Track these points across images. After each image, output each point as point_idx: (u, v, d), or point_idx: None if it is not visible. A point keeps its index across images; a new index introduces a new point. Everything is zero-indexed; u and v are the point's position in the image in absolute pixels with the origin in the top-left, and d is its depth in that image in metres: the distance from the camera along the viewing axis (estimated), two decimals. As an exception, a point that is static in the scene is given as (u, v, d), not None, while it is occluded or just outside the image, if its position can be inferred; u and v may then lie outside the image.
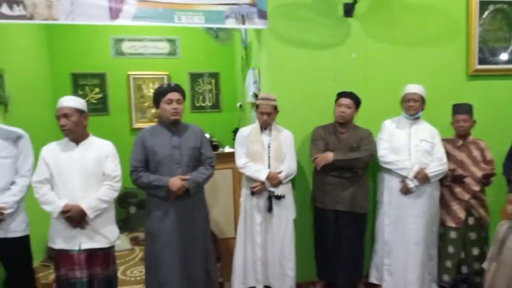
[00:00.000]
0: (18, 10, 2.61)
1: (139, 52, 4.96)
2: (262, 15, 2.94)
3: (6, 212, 2.31)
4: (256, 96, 3.31)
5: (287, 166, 2.82)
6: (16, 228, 2.39)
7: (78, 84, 4.84)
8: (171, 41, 5.02)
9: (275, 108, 2.81)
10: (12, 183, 2.39)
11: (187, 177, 2.46)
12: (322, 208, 2.88)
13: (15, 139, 2.41)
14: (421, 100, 2.88)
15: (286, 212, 2.85)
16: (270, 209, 2.78)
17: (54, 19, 2.65)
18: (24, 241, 2.45)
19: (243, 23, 2.90)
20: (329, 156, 2.77)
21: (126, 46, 4.92)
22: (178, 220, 2.49)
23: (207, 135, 3.59)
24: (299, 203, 2.99)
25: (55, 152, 2.36)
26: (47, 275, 3.44)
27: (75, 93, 4.76)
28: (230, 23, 2.88)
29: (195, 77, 5.13)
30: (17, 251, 2.42)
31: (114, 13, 2.71)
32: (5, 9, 2.59)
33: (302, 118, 3.08)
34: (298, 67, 3.09)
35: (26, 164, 2.42)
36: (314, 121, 3.01)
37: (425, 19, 3.23)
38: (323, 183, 2.86)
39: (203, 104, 5.19)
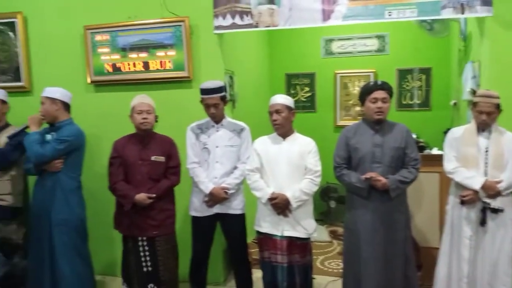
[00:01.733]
0: (247, 20, 3.06)
1: (348, 50, 5.05)
2: (486, 1, 2.58)
3: (229, 192, 2.74)
4: (474, 92, 2.93)
5: (509, 176, 2.41)
6: (236, 206, 2.80)
7: (290, 83, 5.29)
8: (380, 38, 4.92)
9: (497, 107, 2.43)
10: (235, 168, 2.80)
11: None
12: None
13: (239, 131, 2.82)
14: None
15: (504, 229, 2.43)
16: (483, 222, 2.43)
17: (275, 25, 2.99)
18: (241, 218, 2.85)
19: (462, 12, 2.62)
20: None
21: (335, 46, 5.09)
22: (377, 219, 2.45)
23: (414, 135, 3.39)
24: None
25: (265, 144, 2.65)
26: (257, 253, 3.92)
27: (287, 92, 5.22)
28: (446, 14, 2.65)
29: (403, 74, 4.89)
30: (235, 226, 2.83)
31: (326, 15, 2.86)
32: (237, 20, 3.07)
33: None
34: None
35: (246, 153, 2.78)
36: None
37: None
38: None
39: (411, 102, 4.90)
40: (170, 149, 2.72)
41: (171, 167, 2.71)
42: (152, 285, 2.66)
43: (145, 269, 2.65)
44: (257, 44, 4.85)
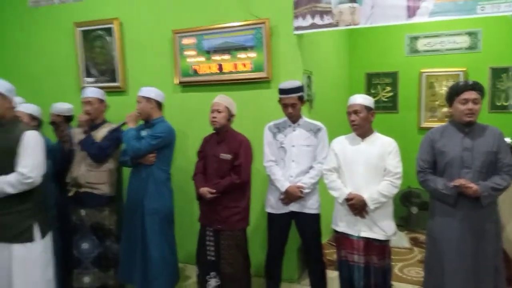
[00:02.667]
0: (327, 19, 3.04)
1: (435, 48, 4.77)
2: None
3: (304, 191, 2.76)
4: None
5: None
6: (311, 206, 2.81)
7: (371, 83, 5.14)
8: (471, 34, 4.57)
9: None
10: (311, 167, 2.81)
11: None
12: None
13: (316, 131, 2.82)
14: None
15: None
16: None
17: (355, 23, 2.94)
18: (316, 218, 2.85)
19: None
20: None
21: (421, 44, 4.84)
22: (465, 229, 2.29)
23: (508, 140, 3.10)
24: None
25: (343, 144, 2.62)
26: (332, 253, 3.87)
27: (367, 91, 5.07)
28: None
29: (497, 72, 4.49)
30: (310, 225, 2.84)
31: (411, 11, 2.74)
32: (317, 20, 3.07)
33: None
34: None
35: (323, 153, 2.78)
36: None
37: None
38: None
39: (506, 104, 4.48)
40: (238, 148, 2.78)
41: (236, 166, 2.77)
42: (214, 273, 2.81)
43: (209, 257, 2.82)
44: (337, 43, 4.78)
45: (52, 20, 4.18)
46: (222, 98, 2.84)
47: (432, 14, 2.68)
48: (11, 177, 2.24)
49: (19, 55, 4.40)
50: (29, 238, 2.32)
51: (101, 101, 3.13)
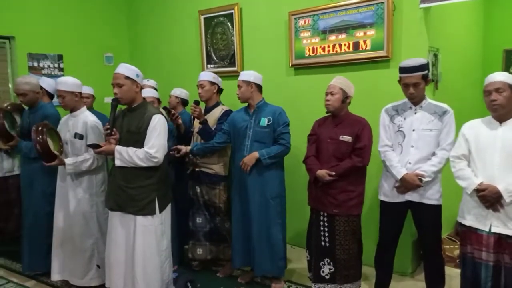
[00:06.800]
0: (459, -10, 2.71)
1: None
2: None
3: (424, 179, 2.54)
4: None
5: None
6: (431, 196, 2.58)
7: (510, 61, 4.48)
8: None
9: None
10: (433, 154, 2.57)
11: None
12: None
13: (441, 114, 2.55)
14: None
15: None
16: None
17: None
18: (436, 209, 2.61)
19: None
20: None
21: None
22: None
23: None
24: None
25: (476, 129, 2.34)
26: (452, 249, 3.55)
27: (506, 70, 4.44)
28: None
29: None
30: (429, 217, 2.61)
31: None
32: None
33: None
34: None
35: (448, 138, 2.52)
36: None
37: None
38: None
39: None
40: (360, 130, 2.67)
41: (357, 148, 2.67)
42: (328, 259, 2.74)
43: (323, 243, 2.75)
44: (470, 16, 4.27)
45: (181, 7, 4.51)
46: (337, 80, 2.76)
47: None
48: (140, 152, 2.50)
49: (150, 40, 4.89)
50: (151, 212, 2.57)
51: (212, 83, 3.27)
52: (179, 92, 3.76)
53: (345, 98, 2.72)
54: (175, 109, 3.57)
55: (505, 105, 2.20)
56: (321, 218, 2.76)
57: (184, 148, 3.21)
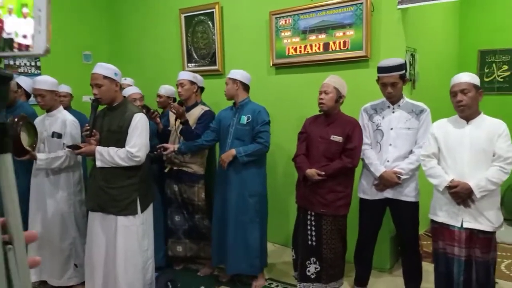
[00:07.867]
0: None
1: None
2: None
3: (402, 177, 2.60)
4: None
5: None
6: (409, 193, 2.65)
7: (485, 61, 4.61)
8: None
9: None
10: (410, 152, 2.63)
11: None
12: None
13: (418, 113, 2.62)
14: None
15: None
16: None
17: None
18: (414, 206, 2.68)
19: None
20: None
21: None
22: None
23: None
24: None
25: (445, 128, 2.40)
26: (429, 245, 3.61)
27: (480, 71, 4.58)
28: None
29: None
30: (407, 214, 2.68)
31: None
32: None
33: None
34: None
35: (425, 137, 2.56)
36: None
37: None
38: None
39: None
40: (351, 131, 2.65)
41: (348, 149, 2.65)
42: (314, 259, 2.74)
43: (309, 242, 2.75)
44: (445, 17, 4.36)
45: (162, 5, 4.47)
46: (331, 79, 2.73)
47: None
48: (121, 151, 2.47)
49: (130, 38, 4.83)
50: (132, 212, 2.55)
51: (192, 83, 3.25)
52: (171, 91, 3.71)
53: (339, 97, 2.69)
54: (165, 109, 3.54)
55: (470, 105, 2.27)
56: (308, 217, 2.75)
57: (172, 147, 3.18)
